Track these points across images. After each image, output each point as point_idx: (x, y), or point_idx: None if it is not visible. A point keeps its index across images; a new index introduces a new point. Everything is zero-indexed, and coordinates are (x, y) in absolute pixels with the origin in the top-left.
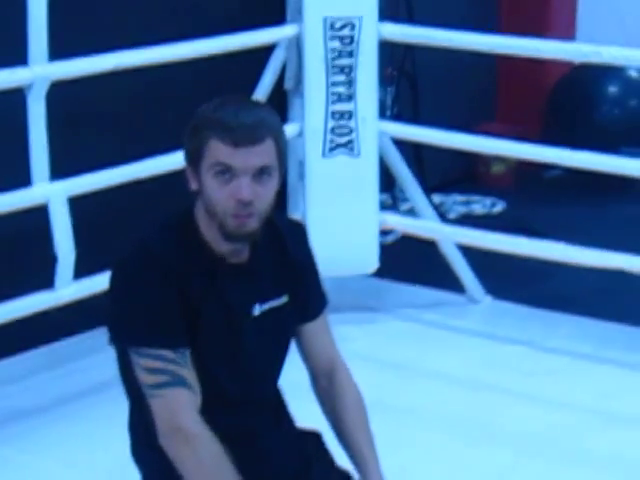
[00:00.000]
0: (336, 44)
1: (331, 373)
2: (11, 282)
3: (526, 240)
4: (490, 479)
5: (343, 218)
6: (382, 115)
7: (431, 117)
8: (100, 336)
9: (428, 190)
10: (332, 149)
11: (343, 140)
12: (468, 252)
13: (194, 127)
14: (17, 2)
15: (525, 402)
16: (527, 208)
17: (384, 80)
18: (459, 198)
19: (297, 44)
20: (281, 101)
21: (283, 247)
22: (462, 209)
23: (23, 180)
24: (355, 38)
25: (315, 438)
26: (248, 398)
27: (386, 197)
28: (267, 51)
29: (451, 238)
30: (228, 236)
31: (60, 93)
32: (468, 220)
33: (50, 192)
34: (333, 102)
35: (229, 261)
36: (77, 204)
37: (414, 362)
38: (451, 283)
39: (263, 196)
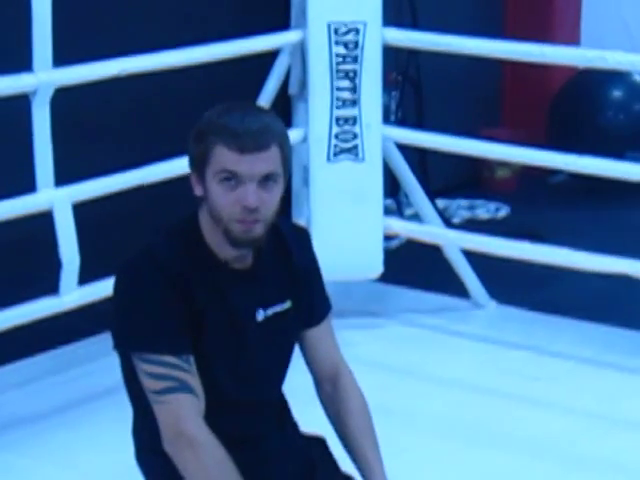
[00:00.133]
0: (340, 49)
1: (335, 378)
2: (16, 287)
3: (530, 245)
4: None
5: (347, 223)
6: (386, 120)
7: (435, 122)
8: (104, 341)
9: (432, 195)
10: (336, 154)
11: (347, 145)
12: (472, 257)
13: (199, 133)
14: (21, 8)
15: (529, 407)
16: (531, 213)
17: (388, 85)
18: (463, 203)
19: (301, 49)
20: (285, 106)
21: (287, 252)
22: (466, 214)
23: (28, 186)
24: (359, 43)
25: (319, 443)
26: (252, 403)
27: (390, 202)
28: (271, 57)
29: (455, 243)
30: (233, 242)
31: (64, 99)
32: (472, 225)
33: (55, 198)
34: (337, 107)
35: (233, 267)
36: (82, 210)
37: (418, 367)
38: (455, 288)
39: (268, 202)
